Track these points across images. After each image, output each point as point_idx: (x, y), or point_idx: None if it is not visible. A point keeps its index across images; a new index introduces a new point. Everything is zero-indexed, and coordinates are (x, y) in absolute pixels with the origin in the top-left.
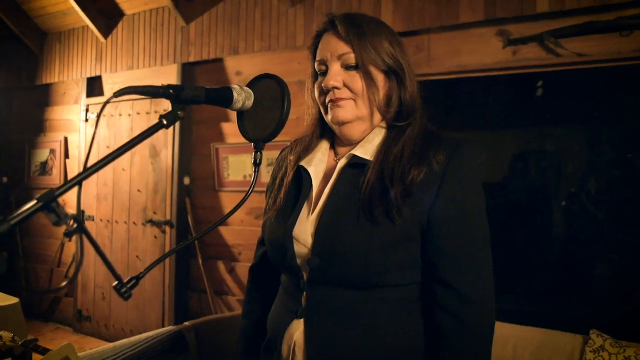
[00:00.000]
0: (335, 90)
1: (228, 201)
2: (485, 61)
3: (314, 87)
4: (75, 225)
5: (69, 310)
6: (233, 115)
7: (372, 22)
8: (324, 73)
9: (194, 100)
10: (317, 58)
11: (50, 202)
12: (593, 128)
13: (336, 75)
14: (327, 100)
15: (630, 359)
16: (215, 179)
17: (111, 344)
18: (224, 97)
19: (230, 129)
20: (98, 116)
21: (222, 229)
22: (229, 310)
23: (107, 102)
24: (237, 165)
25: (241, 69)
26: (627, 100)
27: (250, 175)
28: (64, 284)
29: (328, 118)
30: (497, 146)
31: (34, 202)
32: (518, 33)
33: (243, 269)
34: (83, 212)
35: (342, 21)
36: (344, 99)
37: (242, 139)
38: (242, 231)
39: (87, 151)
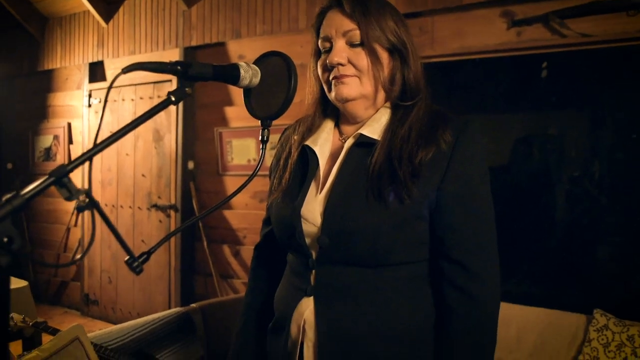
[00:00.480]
0: (340, 67)
1: (232, 185)
2: (489, 43)
3: (316, 65)
4: (87, 201)
5: (76, 294)
6: (236, 99)
7: (377, 1)
8: (328, 50)
9: (201, 76)
10: (321, 35)
11: (62, 178)
12: (597, 110)
13: (341, 51)
14: (330, 77)
15: (633, 337)
16: (219, 163)
17: (119, 325)
18: (231, 74)
19: (234, 113)
20: (107, 94)
21: (227, 213)
22: (234, 293)
23: (117, 77)
24: (241, 149)
25: (244, 53)
26: (633, 81)
27: (254, 160)
28: (78, 256)
29: (332, 95)
30: (500, 130)
31: (45, 177)
32: (523, 14)
33: (248, 252)
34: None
35: None
36: (349, 75)
37: (245, 123)
38: (246, 215)
39: (96, 130)
